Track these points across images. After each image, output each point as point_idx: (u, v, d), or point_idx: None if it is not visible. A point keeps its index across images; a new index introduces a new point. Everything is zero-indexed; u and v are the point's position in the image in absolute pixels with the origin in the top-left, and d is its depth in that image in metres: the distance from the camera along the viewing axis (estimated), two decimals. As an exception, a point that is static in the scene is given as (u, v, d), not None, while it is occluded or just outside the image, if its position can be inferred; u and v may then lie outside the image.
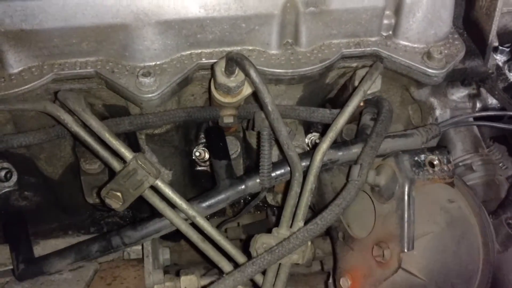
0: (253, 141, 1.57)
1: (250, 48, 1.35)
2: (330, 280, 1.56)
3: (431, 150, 1.19)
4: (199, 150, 1.62)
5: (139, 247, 1.47)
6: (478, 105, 1.73)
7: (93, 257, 1.28)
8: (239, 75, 1.20)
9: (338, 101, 1.53)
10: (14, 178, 1.59)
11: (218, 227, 1.57)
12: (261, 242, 1.19)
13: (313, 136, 1.62)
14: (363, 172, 1.16)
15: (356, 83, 1.36)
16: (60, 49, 1.27)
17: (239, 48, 1.35)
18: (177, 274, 1.46)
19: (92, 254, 1.27)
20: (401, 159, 1.17)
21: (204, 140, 1.66)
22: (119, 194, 1.19)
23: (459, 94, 1.65)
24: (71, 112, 1.19)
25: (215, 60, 1.32)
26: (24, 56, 1.27)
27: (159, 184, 1.20)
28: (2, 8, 1.19)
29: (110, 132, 1.17)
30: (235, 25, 1.30)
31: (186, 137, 1.57)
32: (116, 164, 1.19)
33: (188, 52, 1.33)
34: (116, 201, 1.20)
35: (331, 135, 1.20)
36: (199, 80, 1.38)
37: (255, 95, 1.21)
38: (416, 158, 1.17)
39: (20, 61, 1.27)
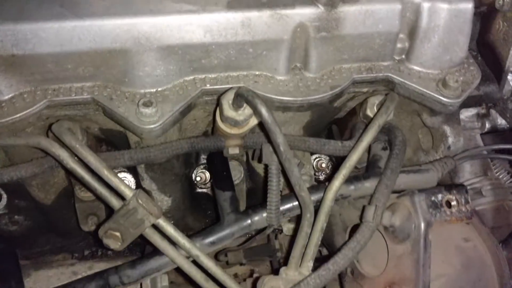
0: (256, 165, 1.50)
1: (257, 73, 1.28)
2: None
3: (448, 189, 1.14)
4: (199, 174, 1.55)
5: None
6: (487, 125, 1.68)
7: (90, 296, 1.21)
8: (247, 109, 1.13)
9: (346, 125, 1.46)
10: (4, 201, 1.51)
11: (218, 253, 1.50)
12: (270, 285, 1.13)
13: (320, 160, 1.56)
14: (378, 214, 1.10)
15: (368, 112, 1.30)
16: (54, 74, 1.19)
17: (245, 73, 1.27)
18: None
19: (89, 294, 1.20)
20: (417, 199, 1.11)
21: (205, 161, 1.59)
22: (118, 234, 1.12)
23: (467, 113, 1.60)
24: (65, 146, 1.11)
25: (220, 86, 1.25)
26: (15, 81, 1.18)
27: (161, 222, 1.13)
28: (-11, 32, 1.10)
29: (108, 169, 1.09)
30: (242, 50, 1.22)
31: (187, 161, 1.50)
32: (115, 202, 1.12)
33: (192, 77, 1.25)
34: (115, 241, 1.13)
35: (344, 173, 1.14)
36: (202, 105, 1.31)
37: (262, 125, 1.15)
38: (433, 198, 1.12)
39: (10, 87, 1.18)
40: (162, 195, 1.42)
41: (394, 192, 1.18)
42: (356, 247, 1.08)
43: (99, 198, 1.13)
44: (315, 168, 1.58)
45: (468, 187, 1.55)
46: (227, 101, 1.12)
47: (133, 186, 1.51)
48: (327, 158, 1.61)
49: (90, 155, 1.08)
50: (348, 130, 1.44)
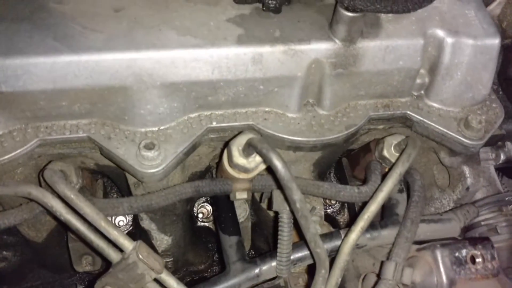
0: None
1: (267, 109, 1.19)
2: None
3: (473, 243, 1.06)
4: (201, 209, 1.46)
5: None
6: (502, 157, 1.62)
7: None
8: (258, 156, 1.03)
9: (357, 161, 1.38)
10: (-9, 236, 1.41)
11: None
12: None
13: None
14: (398, 270, 1.02)
15: (385, 153, 1.22)
16: (47, 111, 1.09)
17: (254, 109, 1.18)
18: None
19: None
20: (440, 254, 1.03)
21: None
22: (116, 289, 1.03)
23: (481, 144, 1.52)
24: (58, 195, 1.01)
25: (227, 124, 1.16)
26: (4, 119, 1.08)
27: (163, 276, 1.04)
28: (-25, 68, 0.99)
29: (106, 221, 1.00)
30: (252, 87, 1.13)
31: (188, 199, 1.41)
32: (113, 255, 1.03)
33: (197, 114, 1.16)
34: (113, 298, 1.03)
35: (361, 225, 1.05)
36: (207, 142, 1.22)
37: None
38: (457, 254, 1.04)
39: (-1, 124, 1.08)
40: (162, 234, 1.33)
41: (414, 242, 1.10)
42: (375, 307, 1.00)
43: (96, 251, 1.03)
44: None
45: (482, 223, 1.49)
46: (237, 147, 1.03)
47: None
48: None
49: (86, 206, 0.99)
50: (360, 167, 1.36)
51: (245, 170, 1.05)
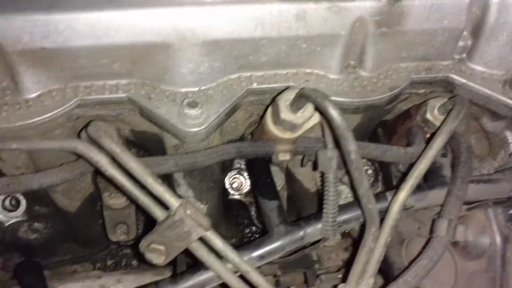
0: (296, 171, 1.39)
1: (308, 71, 1.17)
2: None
3: (526, 201, 1.03)
4: (234, 180, 1.44)
5: None
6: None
7: (127, 316, 1.10)
8: (307, 111, 1.01)
9: (394, 129, 1.35)
10: (22, 207, 1.39)
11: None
12: (329, 306, 1.02)
13: None
14: (451, 227, 0.99)
15: (428, 115, 1.19)
16: (87, 70, 1.07)
17: (294, 71, 1.16)
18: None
19: (126, 314, 1.09)
20: (493, 212, 1.01)
21: (238, 166, 1.48)
22: (162, 247, 1.00)
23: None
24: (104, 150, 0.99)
25: (268, 86, 1.14)
26: (44, 78, 1.06)
27: (209, 235, 1.01)
28: (19, 22, 0.97)
29: (153, 177, 0.97)
30: (294, 45, 1.10)
31: (223, 167, 1.39)
32: (159, 213, 1.00)
33: (237, 75, 1.14)
34: (158, 256, 1.01)
35: (411, 183, 1.03)
36: (245, 106, 1.19)
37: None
38: (510, 212, 1.01)
39: (38, 83, 1.06)
40: (198, 202, 1.30)
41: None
42: (428, 264, 0.97)
43: (140, 208, 1.00)
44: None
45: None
46: (284, 102, 1.01)
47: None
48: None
49: (132, 161, 0.96)
50: (398, 135, 1.33)
51: (292, 127, 1.02)
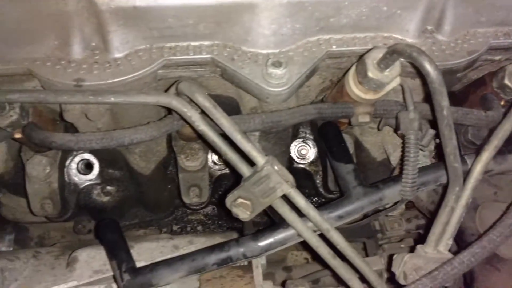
0: (366, 139, 1.40)
1: (385, 35, 1.17)
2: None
3: None
4: (301, 148, 1.45)
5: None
6: None
7: (209, 270, 1.12)
8: (394, 69, 1.02)
9: (465, 98, 1.35)
10: (96, 170, 1.44)
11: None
12: (412, 263, 1.03)
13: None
14: (537, 189, 0.99)
15: (507, 81, 1.19)
16: (173, 30, 1.09)
17: (373, 34, 1.17)
18: (283, 285, 1.32)
19: (209, 267, 1.11)
20: None
21: (303, 135, 1.49)
22: (248, 202, 1.03)
23: None
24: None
25: (347, 48, 1.15)
26: (132, 37, 1.09)
27: (292, 192, 1.04)
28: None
29: (242, 133, 1.00)
30: (375, 8, 1.11)
31: (292, 135, 1.41)
32: (245, 169, 1.03)
33: (316, 37, 1.15)
34: (244, 211, 1.04)
35: (495, 143, 1.03)
36: (322, 69, 1.21)
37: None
38: None
39: (126, 43, 1.10)
40: (269, 167, 1.32)
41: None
42: (514, 224, 0.98)
43: (228, 163, 1.03)
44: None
45: None
46: (372, 60, 1.02)
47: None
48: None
49: (223, 117, 0.99)
50: (469, 103, 1.33)
51: (378, 86, 1.03)
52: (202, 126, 1.00)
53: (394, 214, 1.51)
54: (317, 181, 1.50)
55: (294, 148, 1.48)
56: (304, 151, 1.47)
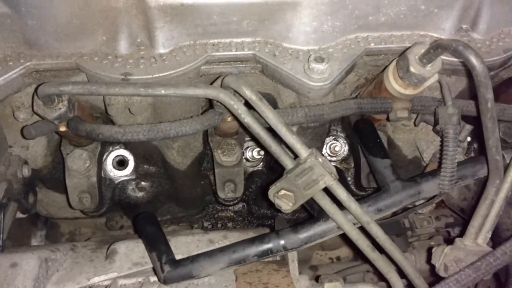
0: (398, 137, 1.42)
1: (422, 33, 1.20)
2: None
3: None
4: (333, 145, 1.48)
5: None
6: None
7: (249, 261, 1.14)
8: (436, 64, 1.04)
9: (498, 96, 1.36)
10: (131, 166, 1.47)
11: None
12: (453, 255, 1.05)
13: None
14: None
15: (541, 78, 1.21)
16: (217, 27, 1.13)
17: (409, 32, 1.20)
18: (316, 280, 1.33)
19: (249, 259, 1.13)
20: None
21: (334, 132, 1.52)
22: (291, 194, 1.05)
23: None
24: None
25: (384, 46, 1.18)
26: (177, 34, 1.13)
27: (334, 185, 1.06)
28: (165, -21, 1.04)
29: (287, 126, 1.02)
30: (414, 6, 1.14)
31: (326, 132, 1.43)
32: (288, 161, 1.05)
33: (354, 35, 1.18)
34: (287, 202, 1.06)
35: (535, 137, 1.05)
36: (360, 66, 1.24)
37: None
38: None
39: (172, 39, 1.13)
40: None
41: None
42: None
43: (272, 155, 1.06)
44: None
45: None
46: (414, 56, 1.04)
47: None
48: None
49: (269, 110, 1.02)
50: (501, 101, 1.34)
51: (420, 80, 1.06)
52: (248, 119, 1.03)
53: (424, 212, 1.53)
54: (348, 179, 1.52)
55: (326, 145, 1.50)
56: (337, 147, 1.49)
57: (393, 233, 1.54)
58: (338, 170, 1.54)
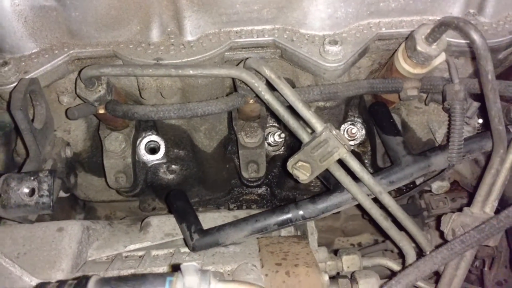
0: (411, 119, 1.50)
1: (430, 18, 1.28)
2: (486, 268, 1.48)
3: None
4: (350, 128, 1.57)
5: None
6: None
7: (271, 230, 1.24)
8: (441, 43, 1.13)
9: (508, 77, 1.43)
10: (162, 150, 1.59)
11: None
12: (460, 221, 1.12)
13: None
14: None
15: (547, 58, 1.27)
16: (240, 16, 1.24)
17: (418, 18, 1.28)
18: (335, 254, 1.41)
19: (271, 227, 1.22)
20: None
21: (353, 118, 1.60)
22: (307, 165, 1.15)
23: None
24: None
25: (395, 30, 1.27)
26: (203, 23, 1.24)
27: (348, 157, 1.15)
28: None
29: (303, 102, 1.12)
30: (422, -8, 1.23)
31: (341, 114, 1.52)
32: (305, 135, 1.15)
33: (366, 21, 1.27)
34: (304, 173, 1.15)
35: (538, 110, 1.12)
36: (372, 50, 1.32)
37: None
38: None
39: (198, 27, 1.24)
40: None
41: None
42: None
43: (289, 129, 1.15)
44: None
45: None
46: (421, 35, 1.13)
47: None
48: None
49: (287, 87, 1.12)
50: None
51: (427, 58, 1.14)
52: (267, 96, 1.13)
53: (439, 193, 1.59)
54: (366, 161, 1.60)
55: (344, 130, 1.59)
56: (355, 131, 1.57)
57: (410, 213, 1.61)
58: (356, 153, 1.62)
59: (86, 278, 0.83)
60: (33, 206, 1.07)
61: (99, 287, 0.82)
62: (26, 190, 1.07)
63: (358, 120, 1.59)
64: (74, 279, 0.85)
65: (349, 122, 1.60)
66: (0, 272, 0.96)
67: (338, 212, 1.83)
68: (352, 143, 1.61)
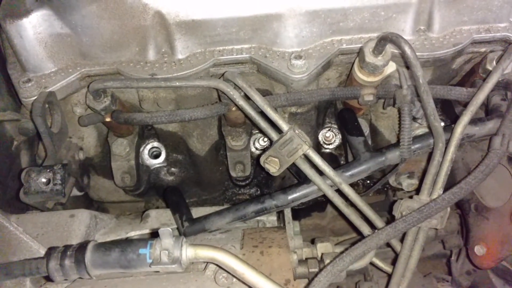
0: (379, 124, 1.70)
1: (386, 34, 1.49)
2: (453, 258, 1.64)
3: None
4: (326, 133, 1.77)
5: (274, 218, 1.63)
6: None
7: (249, 217, 1.44)
8: (386, 55, 1.34)
9: (463, 85, 1.62)
10: (163, 155, 1.82)
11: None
12: (406, 205, 1.30)
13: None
14: (504, 142, 1.25)
15: (488, 66, 1.46)
16: (221, 37, 1.47)
17: (375, 34, 1.49)
18: (312, 243, 1.60)
19: (248, 215, 1.43)
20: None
21: (329, 124, 1.80)
22: (276, 160, 1.36)
23: None
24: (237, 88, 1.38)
25: (355, 46, 1.48)
26: (191, 43, 1.48)
27: (310, 152, 1.35)
28: (179, 1, 1.40)
29: (271, 106, 1.34)
30: (375, 13, 1.44)
31: (317, 119, 1.73)
32: (273, 134, 1.36)
33: (330, 39, 1.49)
34: (274, 166, 1.36)
35: (471, 109, 1.30)
36: (335, 65, 1.54)
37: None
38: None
39: (187, 48, 1.48)
40: (299, 146, 1.65)
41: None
42: (485, 170, 1.24)
43: (260, 130, 1.37)
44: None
45: None
46: (368, 48, 1.34)
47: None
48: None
49: (257, 94, 1.34)
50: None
51: (375, 68, 1.35)
52: (241, 102, 1.35)
53: (410, 190, 1.76)
54: (342, 162, 1.80)
55: (321, 135, 1.79)
56: (331, 137, 1.78)
57: (386, 210, 1.79)
58: (333, 155, 1.82)
59: (86, 242, 1.06)
60: (49, 193, 1.32)
61: (96, 249, 1.04)
62: (44, 180, 1.32)
63: (334, 126, 1.80)
64: (77, 244, 1.08)
65: (326, 129, 1.80)
66: (11, 242, 1.20)
67: (324, 211, 2.04)
68: (331, 146, 1.81)
